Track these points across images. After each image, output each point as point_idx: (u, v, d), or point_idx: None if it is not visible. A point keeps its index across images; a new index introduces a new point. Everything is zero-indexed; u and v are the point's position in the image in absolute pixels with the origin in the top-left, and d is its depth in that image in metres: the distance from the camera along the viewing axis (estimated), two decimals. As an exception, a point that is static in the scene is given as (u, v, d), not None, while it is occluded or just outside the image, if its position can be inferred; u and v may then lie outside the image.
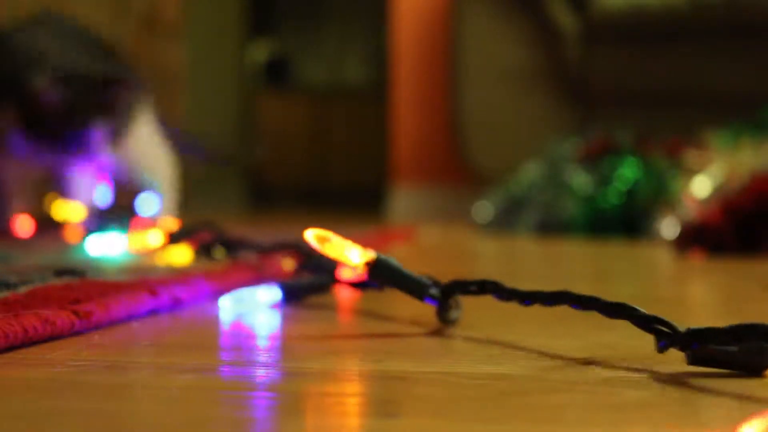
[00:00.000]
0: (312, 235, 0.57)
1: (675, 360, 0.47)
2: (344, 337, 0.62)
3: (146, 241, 1.09)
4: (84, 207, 1.41)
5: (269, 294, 0.69)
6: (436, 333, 0.59)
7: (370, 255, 0.58)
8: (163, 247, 1.05)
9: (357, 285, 0.72)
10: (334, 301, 0.74)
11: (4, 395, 0.41)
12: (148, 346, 0.54)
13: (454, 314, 0.60)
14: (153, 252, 1.06)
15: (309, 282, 0.74)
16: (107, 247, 1.08)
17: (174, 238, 1.04)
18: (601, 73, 2.38)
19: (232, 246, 0.93)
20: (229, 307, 0.67)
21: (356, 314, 0.71)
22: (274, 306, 0.69)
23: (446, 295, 0.59)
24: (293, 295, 0.70)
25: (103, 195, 1.45)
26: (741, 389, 0.43)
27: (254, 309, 0.68)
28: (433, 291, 0.59)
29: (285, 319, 0.66)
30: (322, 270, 0.77)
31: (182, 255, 1.00)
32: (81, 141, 1.39)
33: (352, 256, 0.58)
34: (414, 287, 0.59)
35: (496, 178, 2.24)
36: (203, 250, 0.94)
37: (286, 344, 0.57)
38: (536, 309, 0.54)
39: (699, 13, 2.28)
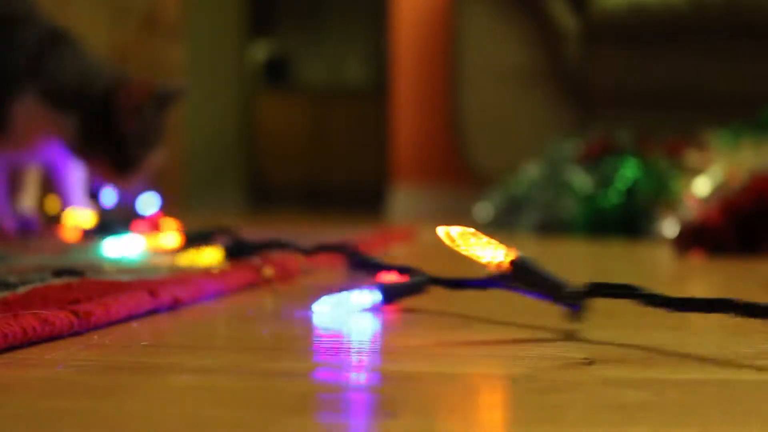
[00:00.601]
0: (449, 234, 0.58)
1: (674, 360, 0.47)
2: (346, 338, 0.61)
3: (162, 243, 1.07)
4: (87, 209, 1.40)
5: (368, 296, 0.67)
6: (437, 334, 0.59)
7: (513, 254, 0.57)
8: (180, 249, 1.04)
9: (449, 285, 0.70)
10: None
11: (4, 395, 0.41)
12: (148, 346, 0.54)
13: (582, 317, 0.57)
14: (169, 254, 1.04)
15: (406, 284, 0.71)
16: (122, 249, 1.06)
17: (191, 241, 1.03)
18: (601, 73, 2.38)
19: (266, 248, 0.92)
20: (326, 310, 0.65)
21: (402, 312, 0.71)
22: (370, 309, 0.67)
23: (586, 299, 0.56)
24: (391, 298, 0.68)
25: (107, 196, 1.43)
26: None
27: (351, 312, 0.66)
28: (571, 293, 0.57)
29: (292, 321, 0.66)
30: (367, 269, 0.77)
31: (211, 257, 0.97)
32: (139, 164, 1.30)
33: (493, 254, 0.57)
34: (551, 289, 0.57)
35: (496, 178, 2.24)
36: (230, 252, 0.92)
37: (292, 345, 0.57)
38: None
39: (699, 13, 2.28)
